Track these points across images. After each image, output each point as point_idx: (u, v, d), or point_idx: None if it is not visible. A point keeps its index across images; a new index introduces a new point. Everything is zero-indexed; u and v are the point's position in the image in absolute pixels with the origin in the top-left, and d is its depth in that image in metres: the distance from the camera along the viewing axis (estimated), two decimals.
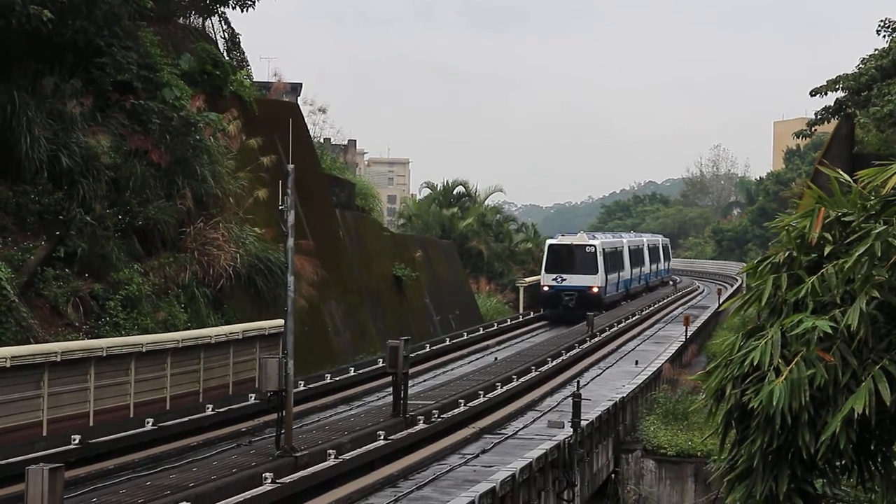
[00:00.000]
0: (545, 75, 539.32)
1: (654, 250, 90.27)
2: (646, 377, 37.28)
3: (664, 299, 74.92)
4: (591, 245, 64.35)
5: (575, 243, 64.48)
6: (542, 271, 64.13)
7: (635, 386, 35.06)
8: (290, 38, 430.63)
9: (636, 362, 42.01)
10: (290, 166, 21.11)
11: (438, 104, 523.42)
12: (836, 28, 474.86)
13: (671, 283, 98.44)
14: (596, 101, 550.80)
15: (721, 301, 68.37)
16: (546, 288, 63.46)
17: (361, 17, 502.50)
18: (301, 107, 52.66)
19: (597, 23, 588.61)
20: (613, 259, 69.01)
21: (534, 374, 36.26)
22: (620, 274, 71.62)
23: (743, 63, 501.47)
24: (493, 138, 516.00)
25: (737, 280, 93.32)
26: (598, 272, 63.52)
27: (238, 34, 43.98)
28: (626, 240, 77.63)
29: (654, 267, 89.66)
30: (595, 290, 63.13)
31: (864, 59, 50.57)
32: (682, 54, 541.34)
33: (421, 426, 25.85)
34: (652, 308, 67.31)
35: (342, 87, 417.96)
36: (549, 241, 66.75)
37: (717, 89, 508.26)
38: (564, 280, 62.95)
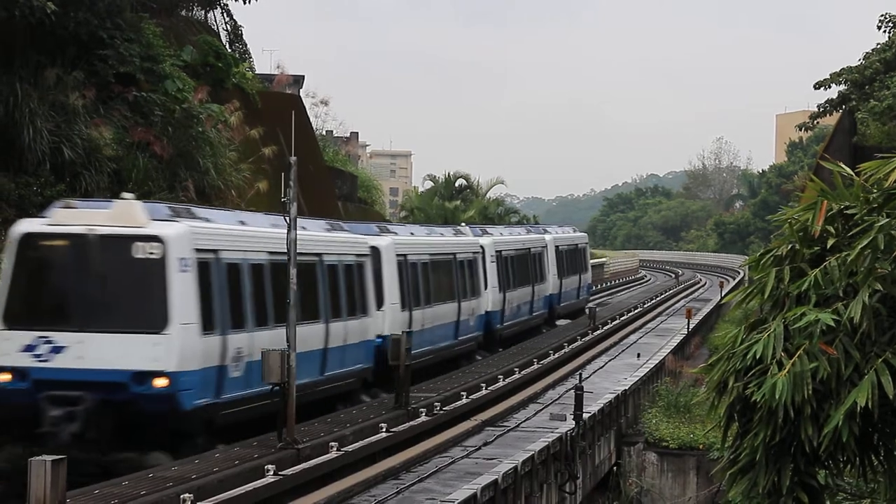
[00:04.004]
0: (547, 68, 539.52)
1: (520, 259, 45.56)
2: (648, 370, 37.28)
3: (662, 293, 73.49)
4: (153, 242, 19.63)
5: (103, 231, 19.66)
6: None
7: (637, 378, 35.05)
8: (293, 32, 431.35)
9: (638, 355, 41.97)
10: (293, 158, 21.07)
11: (440, 98, 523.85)
12: (831, 20, 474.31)
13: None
14: (597, 93, 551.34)
15: (723, 294, 68.38)
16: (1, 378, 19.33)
17: (361, 13, 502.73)
18: (303, 99, 52.74)
19: (595, 13, 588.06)
20: (258, 291, 23.14)
21: (536, 366, 36.27)
22: (332, 328, 26.04)
23: (743, 55, 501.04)
24: (494, 131, 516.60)
25: (738, 273, 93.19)
26: (167, 324, 19.59)
27: (240, 26, 44.06)
28: (390, 239, 31.42)
29: (516, 297, 44.36)
30: (161, 382, 19.35)
31: (867, 53, 50.60)
32: (681, 45, 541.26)
33: (423, 418, 25.84)
34: (653, 301, 67.17)
35: (344, 80, 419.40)
36: (19, 228, 20.16)
37: (720, 82, 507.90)
38: (60, 350, 19.31)
